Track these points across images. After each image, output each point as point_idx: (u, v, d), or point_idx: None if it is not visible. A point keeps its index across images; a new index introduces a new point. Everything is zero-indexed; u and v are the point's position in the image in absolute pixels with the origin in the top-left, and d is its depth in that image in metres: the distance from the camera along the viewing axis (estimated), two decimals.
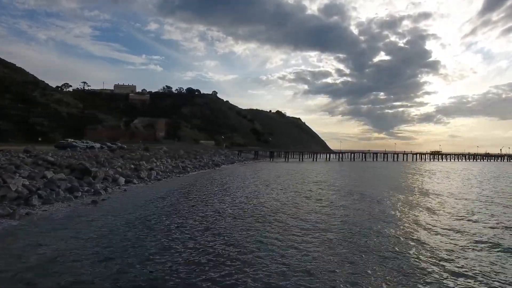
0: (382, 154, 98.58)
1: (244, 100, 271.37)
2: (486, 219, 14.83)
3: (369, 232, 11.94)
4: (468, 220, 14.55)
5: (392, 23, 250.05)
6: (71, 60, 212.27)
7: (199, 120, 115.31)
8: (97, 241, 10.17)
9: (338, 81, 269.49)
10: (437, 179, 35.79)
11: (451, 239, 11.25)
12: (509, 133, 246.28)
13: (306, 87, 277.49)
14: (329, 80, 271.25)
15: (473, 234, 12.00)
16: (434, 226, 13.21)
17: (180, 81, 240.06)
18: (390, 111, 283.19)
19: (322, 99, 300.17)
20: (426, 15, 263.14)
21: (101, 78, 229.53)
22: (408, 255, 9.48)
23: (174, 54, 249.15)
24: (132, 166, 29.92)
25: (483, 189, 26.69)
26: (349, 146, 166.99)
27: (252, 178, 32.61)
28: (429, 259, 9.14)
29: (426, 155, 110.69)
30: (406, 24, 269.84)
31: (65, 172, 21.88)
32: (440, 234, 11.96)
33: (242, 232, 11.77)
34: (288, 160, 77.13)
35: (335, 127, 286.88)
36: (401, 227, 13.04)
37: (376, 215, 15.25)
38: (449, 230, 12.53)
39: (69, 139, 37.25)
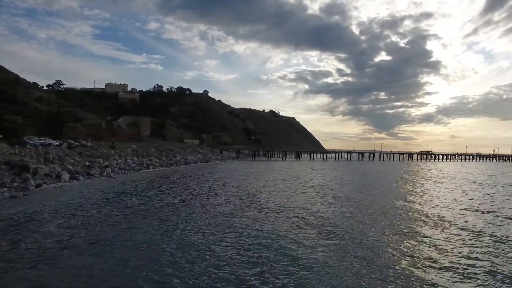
0: (368, 154, 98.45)
1: (244, 99, 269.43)
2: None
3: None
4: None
5: (393, 23, 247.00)
6: (71, 59, 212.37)
7: (186, 119, 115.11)
8: None
9: (338, 81, 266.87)
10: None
11: None
12: (510, 133, 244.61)
13: (306, 86, 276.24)
14: (329, 80, 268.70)
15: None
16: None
17: (180, 80, 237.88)
18: (390, 111, 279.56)
19: (323, 99, 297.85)
20: (427, 15, 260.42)
21: (101, 77, 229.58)
22: None
23: (174, 54, 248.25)
24: (87, 163, 29.95)
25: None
26: (349, 146, 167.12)
27: (187, 174, 32.82)
28: None
29: (414, 155, 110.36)
30: (407, 24, 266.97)
31: (2, 168, 21.90)
32: None
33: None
34: (270, 159, 76.99)
35: (336, 127, 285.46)
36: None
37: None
38: None
39: (33, 137, 37.41)
